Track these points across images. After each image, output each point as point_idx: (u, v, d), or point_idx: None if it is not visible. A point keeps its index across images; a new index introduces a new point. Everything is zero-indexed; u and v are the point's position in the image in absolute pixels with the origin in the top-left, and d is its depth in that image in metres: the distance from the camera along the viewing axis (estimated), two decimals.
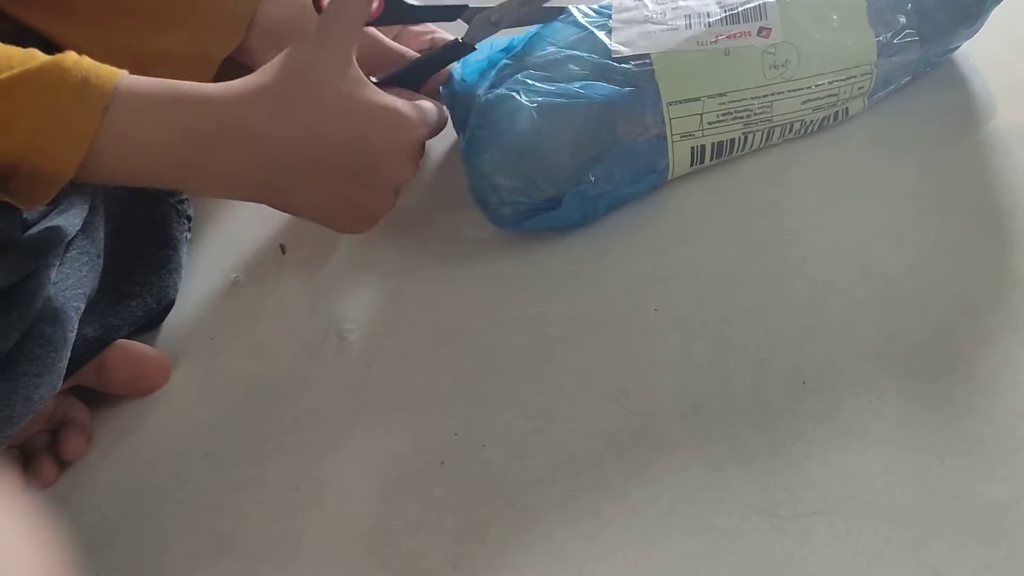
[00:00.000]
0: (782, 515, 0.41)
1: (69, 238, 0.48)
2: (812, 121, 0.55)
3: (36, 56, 0.42)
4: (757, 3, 0.52)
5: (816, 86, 0.53)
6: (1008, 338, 0.44)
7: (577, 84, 0.51)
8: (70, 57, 0.42)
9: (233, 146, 0.45)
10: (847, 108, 0.56)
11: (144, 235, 0.59)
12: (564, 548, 0.43)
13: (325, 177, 0.48)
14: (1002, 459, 0.40)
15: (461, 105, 0.55)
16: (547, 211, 0.53)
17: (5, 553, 0.22)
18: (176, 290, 0.60)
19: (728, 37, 0.52)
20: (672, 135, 0.52)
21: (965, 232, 0.49)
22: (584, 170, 0.52)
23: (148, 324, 0.59)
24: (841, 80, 0.53)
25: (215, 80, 0.50)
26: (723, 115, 0.52)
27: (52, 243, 0.46)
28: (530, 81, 0.52)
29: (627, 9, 0.54)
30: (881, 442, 0.42)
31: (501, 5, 0.54)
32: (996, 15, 0.55)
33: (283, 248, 0.63)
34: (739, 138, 0.54)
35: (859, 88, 0.54)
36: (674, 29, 0.52)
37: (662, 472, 0.44)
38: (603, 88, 0.51)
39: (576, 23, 0.54)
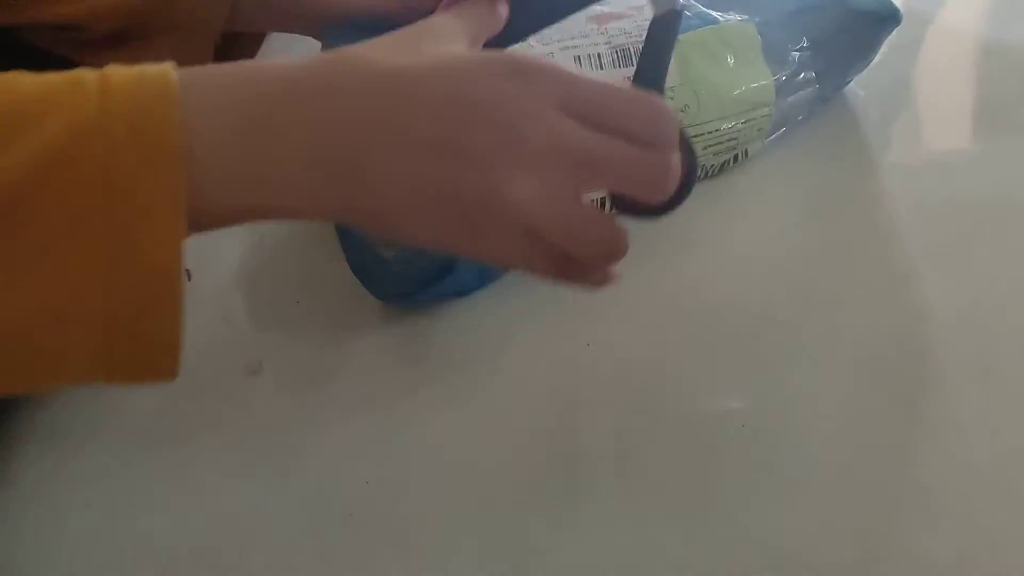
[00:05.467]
0: (718, 574, 0.38)
1: None
2: (713, 166, 0.53)
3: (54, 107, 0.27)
4: None
5: (717, 131, 0.50)
6: (955, 377, 0.43)
7: None
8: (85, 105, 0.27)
9: (300, 114, 0.31)
10: (746, 150, 0.53)
11: None
12: None
13: (408, 145, 0.31)
14: (947, 511, 0.38)
15: None
16: (439, 279, 0.47)
17: None
18: None
19: (624, 81, 0.46)
20: None
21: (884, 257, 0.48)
22: None
23: None
24: (742, 123, 0.51)
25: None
26: None
27: None
28: None
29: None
30: (820, 494, 0.40)
31: None
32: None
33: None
34: None
35: (758, 129, 0.52)
36: None
37: (588, 525, 0.41)
38: None
39: None
